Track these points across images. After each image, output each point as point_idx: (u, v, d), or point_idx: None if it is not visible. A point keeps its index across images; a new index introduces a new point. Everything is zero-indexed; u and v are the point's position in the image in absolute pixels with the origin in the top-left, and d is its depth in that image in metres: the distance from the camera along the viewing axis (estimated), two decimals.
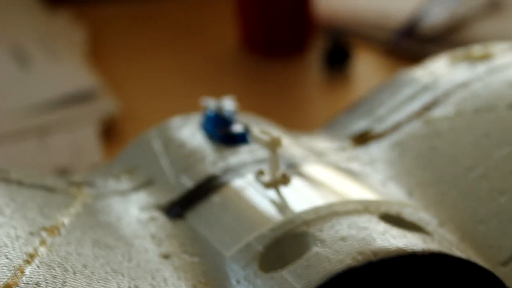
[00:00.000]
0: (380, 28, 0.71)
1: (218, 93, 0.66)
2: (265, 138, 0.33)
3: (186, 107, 0.62)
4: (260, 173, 0.34)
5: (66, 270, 0.29)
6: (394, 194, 0.35)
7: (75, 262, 0.30)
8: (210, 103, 0.39)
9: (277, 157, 0.33)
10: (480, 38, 0.66)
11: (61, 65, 0.67)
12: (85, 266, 0.30)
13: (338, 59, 0.68)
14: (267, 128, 0.38)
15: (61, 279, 0.29)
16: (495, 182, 0.34)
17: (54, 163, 0.56)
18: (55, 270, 0.29)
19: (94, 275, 0.30)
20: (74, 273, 0.29)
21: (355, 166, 0.37)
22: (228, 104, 0.39)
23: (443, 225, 0.33)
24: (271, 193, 0.33)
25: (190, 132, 0.39)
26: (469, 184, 0.34)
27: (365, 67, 0.69)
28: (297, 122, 0.61)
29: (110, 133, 0.60)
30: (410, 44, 0.69)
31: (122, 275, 0.30)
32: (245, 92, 0.67)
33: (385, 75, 0.68)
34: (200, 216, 0.34)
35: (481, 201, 0.34)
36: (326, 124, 0.44)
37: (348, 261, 0.28)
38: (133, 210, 0.35)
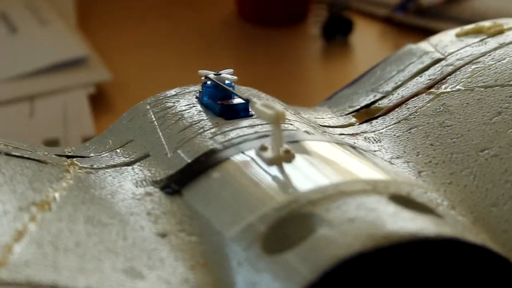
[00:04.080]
0: (379, 2, 0.70)
1: (212, 64, 0.64)
2: (269, 111, 0.31)
3: (179, 78, 0.61)
4: (262, 148, 0.32)
5: (57, 249, 0.28)
6: (403, 173, 0.33)
7: (67, 240, 0.28)
8: (209, 75, 0.37)
9: (281, 132, 0.31)
10: (478, 12, 0.65)
11: (51, 34, 0.65)
12: (77, 244, 0.28)
13: (337, 30, 0.66)
14: (269, 101, 0.36)
15: (51, 258, 0.27)
16: (509, 162, 0.32)
17: (45, 132, 0.54)
18: (45, 248, 0.27)
19: (87, 254, 0.28)
20: (65, 251, 0.28)
21: (361, 142, 0.36)
22: (228, 76, 0.37)
23: (454, 207, 0.31)
24: (274, 170, 0.31)
25: (187, 104, 0.37)
26: (481, 164, 0.33)
27: (364, 38, 0.67)
28: (295, 94, 0.59)
29: (101, 103, 0.58)
30: (408, 17, 0.67)
31: (116, 254, 0.28)
32: (241, 64, 0.65)
33: (385, 47, 0.66)
34: (199, 193, 0.32)
35: (494, 183, 0.32)
36: (329, 98, 0.43)
37: (356, 246, 0.26)
38: (128, 185, 0.33)
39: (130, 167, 0.35)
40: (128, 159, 0.36)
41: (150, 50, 0.66)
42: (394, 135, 0.36)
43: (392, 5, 0.68)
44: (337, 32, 0.66)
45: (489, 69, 0.37)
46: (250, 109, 0.35)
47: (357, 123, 0.38)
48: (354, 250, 0.26)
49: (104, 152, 0.37)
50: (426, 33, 0.65)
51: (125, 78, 0.61)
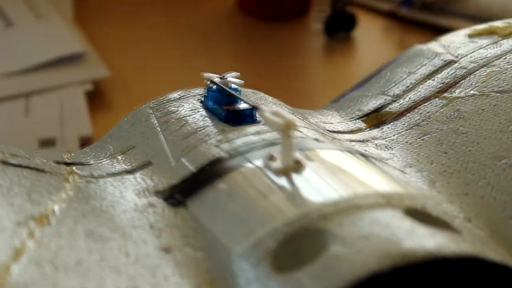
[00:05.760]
0: None
1: (212, 60, 0.63)
2: (278, 120, 0.30)
3: (179, 74, 0.60)
4: (270, 158, 0.31)
5: (57, 268, 0.26)
6: (416, 184, 0.32)
7: (67, 257, 0.27)
8: (214, 78, 0.36)
9: (290, 142, 0.30)
10: (484, 8, 0.64)
11: (47, 29, 0.64)
12: (78, 263, 0.27)
13: (340, 25, 0.65)
14: (277, 108, 0.35)
15: (51, 279, 0.26)
16: None
17: (41, 131, 0.53)
18: (44, 268, 0.26)
19: (88, 273, 0.27)
20: (66, 271, 0.26)
21: (372, 150, 0.34)
22: (234, 80, 0.36)
23: (470, 220, 0.30)
24: (283, 181, 0.30)
25: (191, 109, 0.36)
26: (499, 175, 0.32)
27: (368, 34, 0.66)
28: (297, 90, 0.58)
29: (98, 101, 0.56)
30: (413, 12, 0.66)
31: (119, 273, 0.27)
32: (241, 59, 0.64)
33: (388, 43, 0.65)
34: (204, 205, 0.30)
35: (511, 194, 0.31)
36: (336, 99, 0.41)
37: (373, 265, 0.25)
38: (130, 195, 0.32)
39: (131, 176, 0.34)
40: (129, 166, 0.34)
41: (149, 45, 0.65)
42: (406, 142, 0.35)
43: None
44: (340, 28, 0.65)
45: (505, 73, 0.36)
46: (256, 115, 0.34)
47: (367, 129, 0.37)
48: (370, 269, 0.25)
49: (104, 159, 0.35)
50: (431, 29, 0.64)
51: (123, 74, 0.60)
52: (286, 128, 0.30)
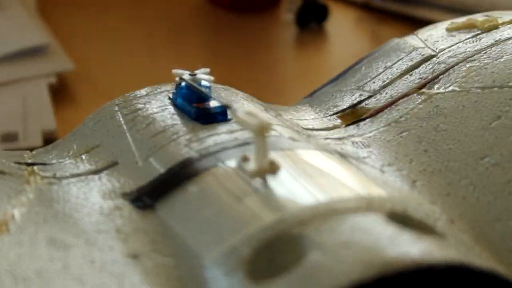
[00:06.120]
0: None
1: (180, 53, 0.61)
2: (252, 121, 0.28)
3: (146, 68, 0.58)
4: (244, 159, 0.29)
5: (16, 280, 0.25)
6: (395, 184, 0.31)
7: (27, 267, 0.25)
8: (183, 75, 0.34)
9: (265, 143, 0.28)
10: None
11: (9, 20, 0.62)
12: (38, 273, 0.25)
13: (311, 16, 0.63)
14: (251, 107, 0.33)
15: None
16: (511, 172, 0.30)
17: (2, 126, 0.51)
18: (2, 280, 0.24)
19: (49, 284, 0.25)
20: (26, 281, 0.25)
21: (349, 148, 0.33)
22: (204, 77, 0.34)
23: (453, 222, 0.29)
24: (258, 184, 0.28)
25: (159, 106, 0.34)
26: (481, 174, 0.30)
27: (340, 25, 0.64)
28: (268, 83, 0.57)
29: (62, 95, 0.55)
30: (387, 3, 0.64)
31: (83, 282, 0.26)
32: (211, 51, 0.62)
33: (362, 35, 0.64)
34: (174, 208, 0.29)
35: (496, 194, 0.29)
36: (309, 95, 0.40)
37: (355, 274, 0.24)
38: (95, 197, 0.30)
39: (96, 176, 0.32)
40: (94, 166, 0.33)
41: (115, 38, 0.63)
42: (384, 139, 0.33)
43: None
44: (312, 19, 0.63)
45: (485, 68, 0.35)
46: (228, 113, 0.32)
47: (343, 125, 0.35)
48: (352, 279, 0.24)
49: (67, 158, 0.34)
50: (404, 20, 0.63)
51: (88, 68, 0.58)
52: (261, 129, 0.28)
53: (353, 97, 0.37)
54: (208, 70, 0.35)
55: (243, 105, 0.34)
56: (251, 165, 0.29)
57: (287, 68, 0.61)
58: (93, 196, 0.31)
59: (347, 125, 0.35)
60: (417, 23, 0.61)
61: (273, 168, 0.28)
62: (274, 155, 0.29)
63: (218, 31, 0.65)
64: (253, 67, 0.59)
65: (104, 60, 0.60)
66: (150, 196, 0.30)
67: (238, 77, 0.55)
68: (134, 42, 0.62)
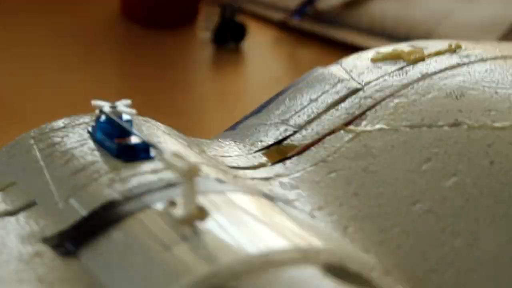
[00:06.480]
0: (274, 6, 0.66)
1: (93, 72, 0.59)
2: (180, 164, 0.27)
3: (58, 88, 0.55)
4: (171, 203, 0.28)
5: None
6: (326, 231, 0.30)
7: None
8: (103, 107, 0.33)
9: (194, 188, 0.27)
10: (377, 18, 0.63)
11: None
12: None
13: (229, 34, 0.62)
14: (176, 146, 0.32)
15: None
16: (445, 220, 0.29)
17: None
18: None
19: None
20: None
21: (277, 190, 0.32)
22: (126, 110, 0.33)
23: (389, 272, 0.28)
24: (187, 232, 0.27)
25: (78, 140, 0.33)
26: (414, 221, 0.30)
27: (258, 45, 0.63)
28: (185, 108, 0.55)
29: None
30: (305, 23, 0.64)
31: None
32: (125, 71, 0.60)
33: (279, 54, 0.63)
34: (98, 256, 0.28)
35: (430, 244, 0.29)
36: (232, 127, 0.38)
37: None
38: (13, 242, 0.29)
39: (13, 218, 0.30)
40: (10, 207, 0.31)
41: (24, 54, 0.60)
42: (313, 180, 0.33)
43: (288, 9, 0.65)
44: (229, 37, 0.62)
45: (413, 105, 0.34)
46: (151, 151, 0.31)
47: (269, 163, 0.34)
48: None
49: None
50: (323, 41, 0.62)
51: None
52: (189, 173, 0.27)
53: (278, 132, 0.36)
54: (129, 102, 0.33)
55: (167, 142, 0.32)
56: (179, 211, 0.28)
57: (203, 90, 0.60)
58: (10, 241, 0.29)
59: (273, 163, 0.34)
60: (335, 45, 0.61)
61: (201, 214, 0.27)
62: (202, 200, 0.28)
63: (133, 47, 0.63)
64: (169, 87, 0.57)
65: (13, 80, 0.57)
66: (72, 241, 0.28)
67: (154, 101, 0.54)
68: (45, 59, 0.60)
